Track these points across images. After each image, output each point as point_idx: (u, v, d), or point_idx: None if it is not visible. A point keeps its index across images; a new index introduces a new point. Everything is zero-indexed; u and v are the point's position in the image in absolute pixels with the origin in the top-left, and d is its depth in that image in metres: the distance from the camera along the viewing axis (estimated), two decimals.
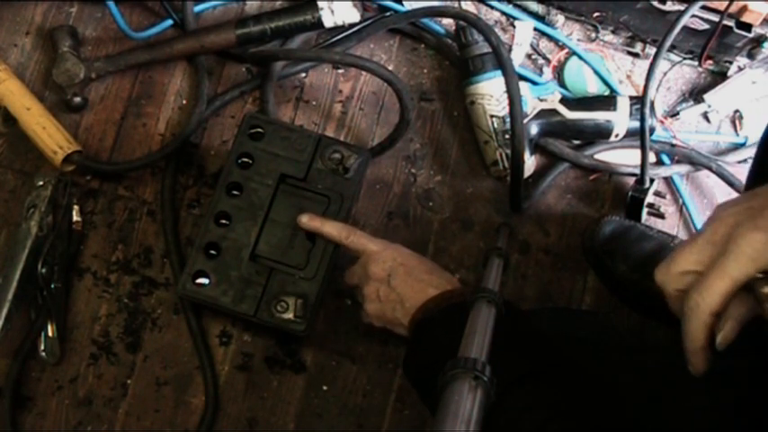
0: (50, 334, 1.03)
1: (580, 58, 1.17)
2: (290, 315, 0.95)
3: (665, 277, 0.62)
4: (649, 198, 1.09)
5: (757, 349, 0.67)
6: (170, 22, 1.14)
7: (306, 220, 0.97)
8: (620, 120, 1.09)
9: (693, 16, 1.06)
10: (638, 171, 1.07)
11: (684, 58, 1.18)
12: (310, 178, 1.00)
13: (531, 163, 1.10)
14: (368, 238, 0.95)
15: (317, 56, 1.13)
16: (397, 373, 1.06)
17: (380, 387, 1.06)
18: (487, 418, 0.63)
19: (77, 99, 1.10)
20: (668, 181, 1.15)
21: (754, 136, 1.16)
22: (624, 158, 1.14)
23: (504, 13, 1.18)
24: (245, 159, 1.00)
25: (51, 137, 1.04)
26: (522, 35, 1.16)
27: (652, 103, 1.06)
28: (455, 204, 1.13)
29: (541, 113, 1.09)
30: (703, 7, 1.06)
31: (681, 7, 1.06)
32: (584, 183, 1.15)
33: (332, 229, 0.96)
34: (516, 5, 1.19)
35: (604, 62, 1.18)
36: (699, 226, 1.13)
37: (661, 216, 1.12)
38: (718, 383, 0.67)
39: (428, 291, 0.87)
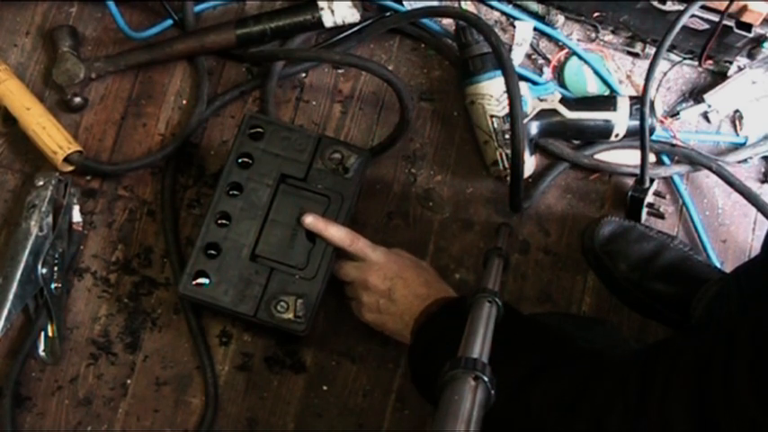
0: (50, 334, 1.03)
1: (580, 58, 1.17)
2: (290, 315, 0.95)
3: None
4: (649, 198, 1.09)
5: None
6: (170, 22, 1.14)
7: (310, 221, 0.97)
8: (620, 120, 1.09)
9: (693, 16, 1.06)
10: (638, 171, 1.07)
11: (684, 58, 1.18)
12: (310, 178, 1.00)
13: (531, 163, 1.10)
14: (371, 247, 0.97)
15: (317, 56, 1.13)
16: (398, 373, 1.06)
17: (380, 387, 1.06)
18: (508, 417, 0.64)
19: (77, 99, 1.10)
20: (668, 181, 1.15)
21: (754, 136, 1.16)
22: (624, 158, 1.14)
23: (504, 13, 1.18)
24: (245, 159, 1.00)
25: (51, 137, 1.04)
26: (522, 35, 1.16)
27: (652, 103, 1.06)
28: (455, 204, 1.13)
29: (541, 113, 1.09)
30: (703, 7, 1.06)
31: (681, 7, 1.06)
32: (584, 183, 1.15)
33: (336, 233, 0.96)
34: (516, 5, 1.19)
35: (604, 62, 1.18)
36: (699, 226, 1.13)
37: (661, 216, 1.12)
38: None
39: (426, 304, 0.91)
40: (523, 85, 1.06)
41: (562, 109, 1.09)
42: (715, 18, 1.07)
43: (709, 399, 0.62)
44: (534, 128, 1.09)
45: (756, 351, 0.60)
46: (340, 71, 1.16)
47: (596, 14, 1.16)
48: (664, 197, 1.14)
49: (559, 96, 1.10)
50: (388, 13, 1.15)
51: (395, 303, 0.93)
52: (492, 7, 1.18)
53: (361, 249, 0.97)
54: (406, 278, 0.94)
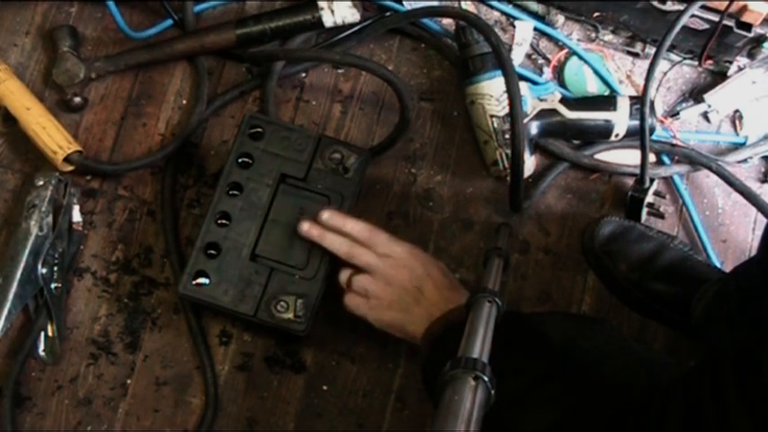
0: (50, 334, 1.03)
1: (580, 58, 1.17)
2: (289, 315, 0.95)
3: None
4: (649, 198, 1.09)
5: None
6: (170, 22, 1.14)
7: (327, 216, 0.95)
8: (620, 120, 1.09)
9: (693, 16, 1.06)
10: (638, 171, 1.07)
11: (684, 58, 1.18)
12: (310, 178, 1.00)
13: (531, 163, 1.10)
14: (394, 241, 0.94)
15: (317, 56, 1.13)
16: (398, 373, 1.06)
17: (380, 387, 1.06)
18: (497, 420, 0.64)
19: (77, 99, 1.10)
20: (668, 181, 1.15)
21: (754, 136, 1.16)
22: (624, 158, 1.14)
23: (504, 13, 1.18)
24: (245, 159, 1.00)
25: (51, 137, 1.04)
26: (522, 35, 1.16)
27: (652, 103, 1.06)
28: (455, 204, 1.13)
29: (541, 113, 1.09)
30: (703, 7, 1.06)
31: (681, 7, 1.06)
32: (584, 183, 1.15)
33: (354, 227, 0.94)
34: (516, 5, 1.19)
35: (604, 62, 1.18)
36: (699, 226, 1.13)
37: (661, 216, 1.12)
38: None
39: (449, 308, 0.89)
40: (523, 85, 1.06)
41: (562, 109, 1.09)
42: (715, 18, 1.07)
43: None
44: (534, 128, 1.09)
45: (747, 406, 0.58)
46: (340, 71, 1.16)
47: (596, 14, 1.16)
48: (664, 197, 1.14)
49: (559, 96, 1.10)
50: (388, 13, 1.15)
51: (420, 305, 0.90)
52: (492, 7, 1.18)
53: (384, 243, 0.94)
54: (434, 277, 0.92)
